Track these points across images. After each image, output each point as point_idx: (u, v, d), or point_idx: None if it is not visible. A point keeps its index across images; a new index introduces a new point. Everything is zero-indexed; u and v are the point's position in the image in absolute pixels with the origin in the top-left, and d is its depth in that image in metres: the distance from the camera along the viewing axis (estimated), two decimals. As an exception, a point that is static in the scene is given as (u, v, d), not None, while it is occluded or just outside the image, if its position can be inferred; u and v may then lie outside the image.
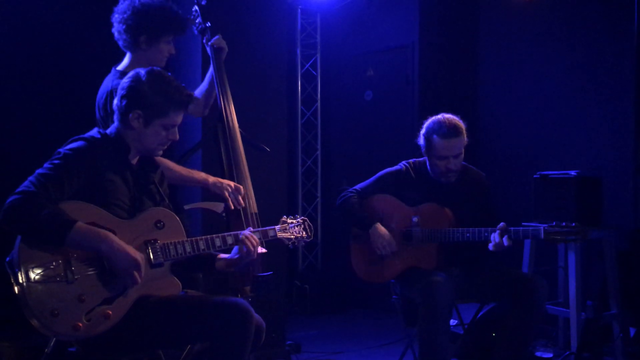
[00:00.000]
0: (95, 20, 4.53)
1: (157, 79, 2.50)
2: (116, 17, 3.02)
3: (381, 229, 3.49)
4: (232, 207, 3.10)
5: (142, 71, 2.52)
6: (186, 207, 3.30)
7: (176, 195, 3.27)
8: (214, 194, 3.13)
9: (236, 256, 2.65)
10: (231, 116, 3.28)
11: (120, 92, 2.51)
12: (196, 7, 3.31)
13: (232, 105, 3.31)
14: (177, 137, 2.58)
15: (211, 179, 3.11)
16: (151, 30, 2.98)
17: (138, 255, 2.33)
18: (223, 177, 3.18)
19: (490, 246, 3.23)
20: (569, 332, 4.13)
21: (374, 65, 6.04)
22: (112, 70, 3.03)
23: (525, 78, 5.32)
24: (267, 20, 4.38)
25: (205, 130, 3.44)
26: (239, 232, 2.65)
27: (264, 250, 2.99)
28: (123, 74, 2.81)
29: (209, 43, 3.31)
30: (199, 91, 3.42)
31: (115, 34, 3.05)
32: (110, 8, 3.03)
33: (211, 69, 3.36)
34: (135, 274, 2.32)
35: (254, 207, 3.20)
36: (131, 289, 2.36)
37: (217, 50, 3.31)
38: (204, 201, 3.56)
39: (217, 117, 3.32)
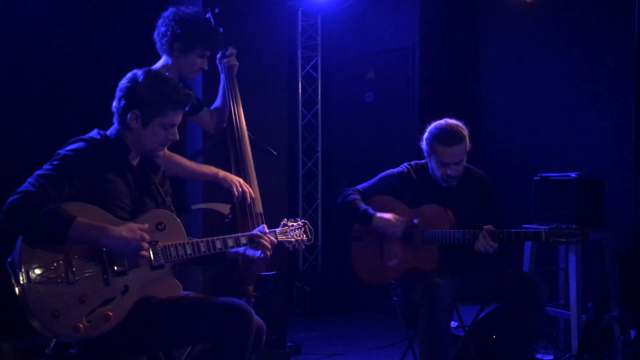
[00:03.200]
0: (96, 21, 4.55)
1: (154, 79, 2.51)
2: (160, 21, 3.15)
3: (383, 214, 3.48)
4: (237, 203, 3.13)
5: (139, 72, 2.53)
6: (193, 207, 3.31)
7: (183, 194, 3.28)
8: (222, 188, 3.16)
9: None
10: (240, 119, 3.32)
11: (118, 93, 2.52)
12: (209, 15, 3.33)
13: (241, 108, 3.36)
14: (177, 137, 2.58)
15: (221, 173, 3.17)
16: (186, 39, 3.09)
17: (139, 236, 2.33)
18: None
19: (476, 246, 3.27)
20: (570, 334, 4.13)
21: (374, 67, 6.04)
22: (146, 70, 3.07)
23: (525, 80, 5.32)
24: (268, 22, 4.38)
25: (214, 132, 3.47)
26: (239, 234, 2.66)
27: None
28: None
29: (223, 61, 3.38)
30: (214, 106, 3.46)
31: (155, 35, 3.17)
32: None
33: (222, 79, 3.39)
34: (144, 252, 2.33)
35: (259, 207, 3.23)
36: (133, 283, 2.36)
37: (229, 67, 3.38)
38: (207, 202, 3.57)
39: (226, 119, 3.35)
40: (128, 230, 2.33)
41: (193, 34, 3.09)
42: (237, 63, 3.40)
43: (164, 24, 3.13)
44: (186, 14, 3.12)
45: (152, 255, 2.43)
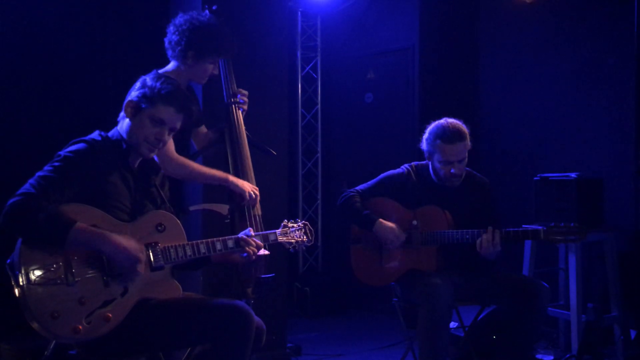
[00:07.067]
0: (97, 23, 4.55)
1: (161, 77, 2.53)
2: (171, 29, 3.14)
3: (386, 223, 3.48)
4: (246, 206, 3.14)
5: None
6: (191, 208, 3.30)
7: (180, 196, 3.28)
8: (232, 192, 3.15)
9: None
10: (238, 119, 3.31)
11: None
12: (207, 12, 3.32)
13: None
14: (166, 139, 2.55)
15: (231, 177, 3.16)
16: (201, 49, 3.09)
17: (138, 249, 2.34)
18: None
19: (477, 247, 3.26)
20: (570, 334, 4.13)
21: (374, 68, 6.04)
22: (153, 73, 3.06)
23: (525, 80, 5.32)
24: (267, 22, 4.36)
25: (214, 131, 3.46)
26: (238, 235, 2.66)
27: (266, 252, 2.99)
28: None
29: (237, 98, 3.33)
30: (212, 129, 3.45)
31: (166, 43, 3.16)
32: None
33: (222, 80, 3.38)
34: (138, 266, 2.33)
35: (258, 209, 3.22)
36: (132, 285, 2.36)
37: (238, 111, 3.34)
38: (206, 203, 3.56)
39: (224, 119, 3.35)
40: (129, 241, 2.34)
41: (207, 42, 3.09)
42: (246, 108, 3.39)
43: (176, 32, 3.11)
44: (200, 23, 3.10)
45: (152, 257, 2.43)
